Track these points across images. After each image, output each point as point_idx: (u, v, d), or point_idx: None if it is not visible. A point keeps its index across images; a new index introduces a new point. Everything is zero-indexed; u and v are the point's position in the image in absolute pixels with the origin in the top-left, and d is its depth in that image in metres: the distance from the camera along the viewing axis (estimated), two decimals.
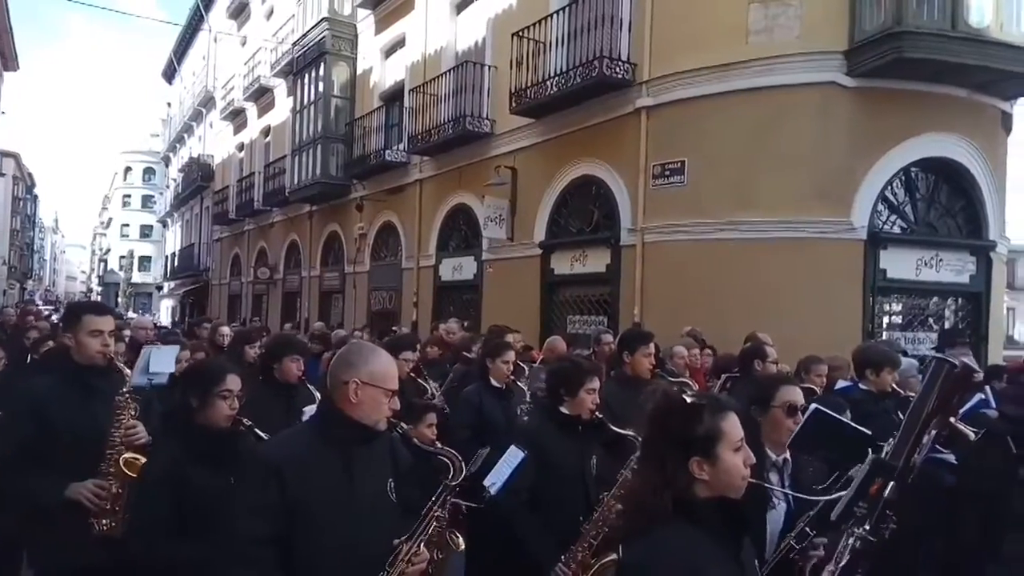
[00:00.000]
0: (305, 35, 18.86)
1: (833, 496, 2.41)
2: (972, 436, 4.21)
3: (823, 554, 2.54)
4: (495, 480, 3.36)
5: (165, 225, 46.39)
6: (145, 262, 64.25)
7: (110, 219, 72.69)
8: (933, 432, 2.13)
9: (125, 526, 2.93)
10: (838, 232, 8.72)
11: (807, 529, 2.63)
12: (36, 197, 66.55)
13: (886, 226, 9.08)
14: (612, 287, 10.37)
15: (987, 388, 5.56)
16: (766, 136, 8.82)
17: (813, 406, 2.99)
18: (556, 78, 10.66)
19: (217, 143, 30.15)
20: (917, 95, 8.80)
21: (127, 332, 7.24)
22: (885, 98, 8.72)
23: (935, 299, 9.51)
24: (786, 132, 8.76)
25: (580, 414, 3.50)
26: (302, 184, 18.93)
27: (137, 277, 63.31)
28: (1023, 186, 14.44)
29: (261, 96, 23.86)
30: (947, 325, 9.42)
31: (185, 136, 37.28)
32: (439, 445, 2.90)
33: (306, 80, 19.00)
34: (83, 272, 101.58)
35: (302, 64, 19.03)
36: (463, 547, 3.26)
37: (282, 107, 22.01)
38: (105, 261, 72.17)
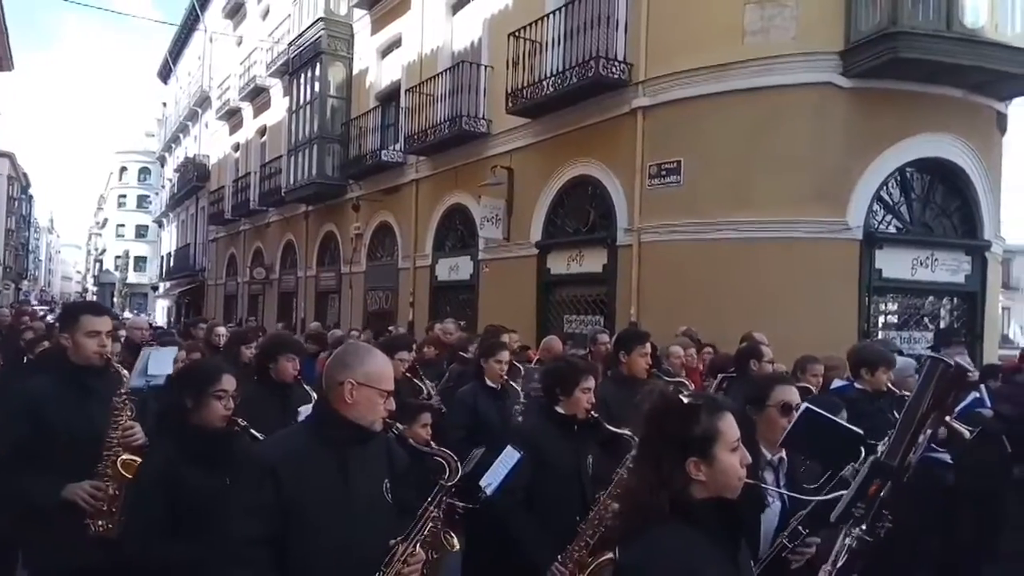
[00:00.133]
0: (301, 35, 18.85)
1: (829, 496, 2.42)
2: (967, 434, 4.24)
3: (814, 551, 2.55)
4: (491, 480, 3.36)
5: (161, 225, 46.28)
6: (141, 262, 64.11)
7: (105, 219, 72.50)
8: (929, 431, 2.13)
9: (120, 527, 2.92)
10: (834, 232, 8.74)
11: (800, 528, 2.64)
12: (31, 197, 66.41)
13: (882, 226, 9.10)
14: (608, 287, 10.38)
15: (982, 387, 5.57)
16: (762, 136, 8.83)
17: (804, 405, 3.00)
18: (552, 78, 10.67)
19: (213, 143, 30.11)
20: (912, 95, 8.82)
21: (123, 332, 7.22)
22: (881, 98, 8.74)
23: (930, 299, 9.54)
24: (782, 132, 8.78)
25: (576, 413, 3.50)
26: (298, 184, 18.92)
27: (133, 277, 63.13)
28: (1018, 186, 14.50)
29: (257, 96, 23.81)
30: (943, 325, 9.45)
31: (181, 136, 37.21)
32: (434, 445, 2.89)
33: (302, 80, 18.99)
34: (78, 272, 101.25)
35: (298, 64, 19.02)
36: (458, 547, 3.26)
37: (278, 107, 21.97)
38: (100, 261, 71.94)
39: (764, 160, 8.79)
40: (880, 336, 8.91)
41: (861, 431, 2.85)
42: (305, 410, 3.53)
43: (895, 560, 4.07)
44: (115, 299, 58.52)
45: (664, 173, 9.56)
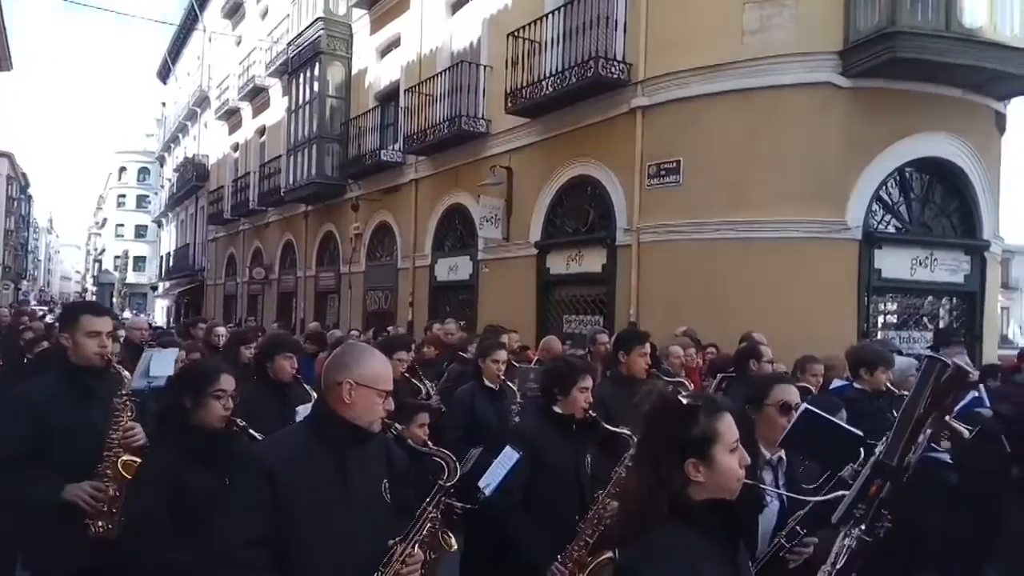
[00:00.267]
0: (300, 35, 18.84)
1: (829, 497, 2.41)
2: (966, 434, 4.23)
3: (811, 551, 2.55)
4: (490, 481, 3.35)
5: (160, 225, 46.28)
6: (140, 262, 64.09)
7: (105, 219, 72.45)
8: (928, 431, 2.13)
9: (120, 528, 2.92)
10: (833, 232, 8.74)
11: (797, 528, 2.64)
12: (30, 197, 66.35)
13: (881, 226, 9.11)
14: (608, 287, 10.38)
15: (981, 387, 5.57)
16: (761, 136, 8.83)
17: (803, 406, 2.99)
18: (551, 78, 10.67)
19: (212, 143, 30.09)
20: (911, 95, 8.82)
21: (122, 332, 7.21)
22: (879, 98, 8.75)
23: (930, 298, 9.55)
24: (781, 132, 8.78)
25: (574, 413, 3.51)
26: (297, 184, 18.91)
27: (132, 277, 63.10)
28: (1017, 186, 14.51)
29: (256, 96, 23.80)
30: (942, 324, 9.46)
31: (180, 136, 37.20)
32: (431, 445, 2.89)
33: (301, 80, 18.99)
34: (77, 272, 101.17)
35: (297, 64, 19.01)
36: (457, 548, 3.26)
37: (277, 107, 21.96)
38: (100, 261, 71.89)
39: (763, 160, 8.79)
40: (879, 336, 8.91)
41: (860, 432, 2.84)
42: (303, 410, 3.53)
43: (896, 560, 4.07)
44: (114, 299, 58.48)
45: (663, 173, 9.56)
